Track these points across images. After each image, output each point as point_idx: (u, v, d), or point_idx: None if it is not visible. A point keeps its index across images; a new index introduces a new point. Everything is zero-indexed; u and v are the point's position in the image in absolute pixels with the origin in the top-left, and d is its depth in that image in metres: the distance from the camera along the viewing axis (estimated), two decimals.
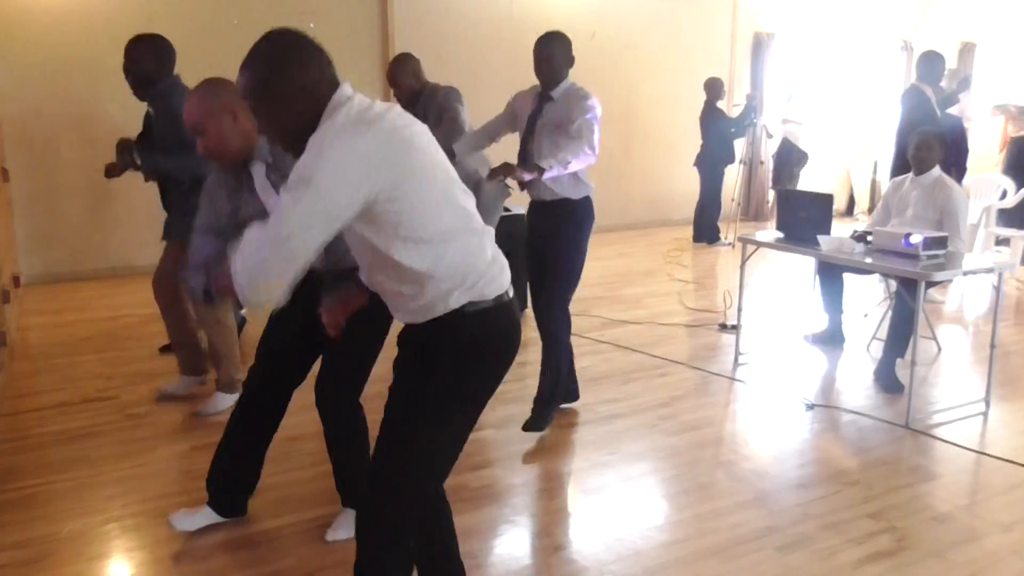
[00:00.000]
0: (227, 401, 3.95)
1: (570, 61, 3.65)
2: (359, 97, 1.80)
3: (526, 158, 3.64)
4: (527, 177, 3.39)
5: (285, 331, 2.82)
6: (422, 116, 4.29)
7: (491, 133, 3.91)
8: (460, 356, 1.91)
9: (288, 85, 1.76)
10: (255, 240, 1.67)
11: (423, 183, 1.77)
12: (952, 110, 6.57)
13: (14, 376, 4.46)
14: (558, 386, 3.80)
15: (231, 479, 2.91)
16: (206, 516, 2.88)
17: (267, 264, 1.66)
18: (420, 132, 1.81)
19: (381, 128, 1.71)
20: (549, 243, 3.71)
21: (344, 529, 2.79)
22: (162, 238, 4.08)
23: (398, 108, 1.81)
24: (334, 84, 1.80)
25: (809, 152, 9.44)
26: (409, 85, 4.36)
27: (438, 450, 1.97)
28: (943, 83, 6.48)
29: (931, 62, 6.05)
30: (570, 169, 3.47)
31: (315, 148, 1.68)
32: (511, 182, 3.61)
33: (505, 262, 1.99)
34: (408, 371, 2.00)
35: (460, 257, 1.85)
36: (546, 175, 3.40)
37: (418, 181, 1.75)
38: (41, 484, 3.22)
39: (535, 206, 3.79)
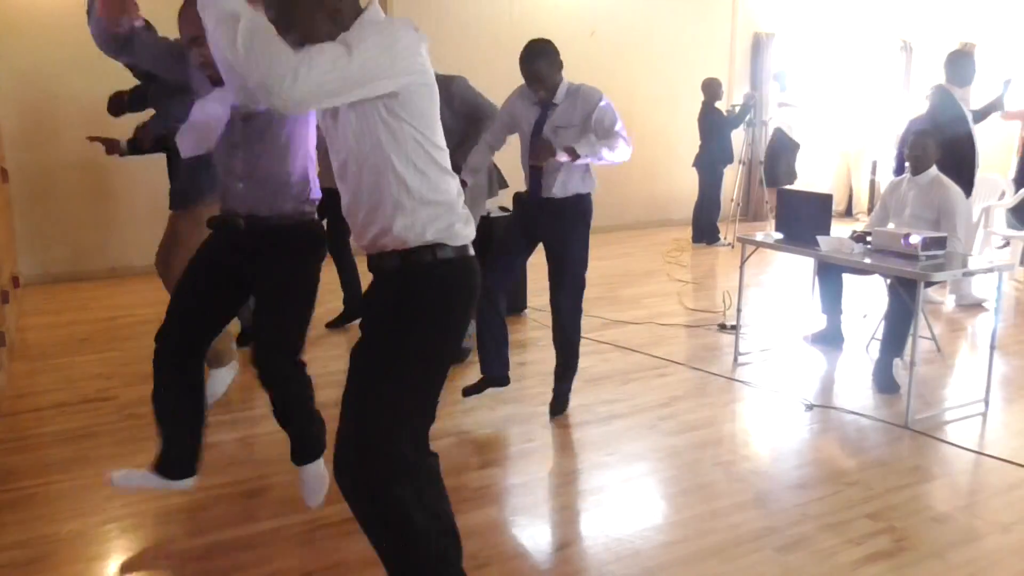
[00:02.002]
0: (224, 377, 3.89)
1: (559, 66, 3.64)
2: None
3: (538, 171, 3.70)
4: (563, 158, 3.47)
5: (206, 277, 2.75)
6: None
7: (493, 143, 3.94)
8: (432, 310, 1.95)
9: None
10: (267, 38, 1.67)
11: (434, 104, 1.93)
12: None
13: (13, 376, 4.46)
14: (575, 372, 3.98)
15: (171, 442, 2.85)
16: (143, 477, 2.85)
17: (271, 57, 1.65)
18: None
19: (419, 38, 1.87)
20: (558, 243, 3.75)
21: (315, 489, 2.87)
22: (169, 207, 4.05)
23: None
24: (357, 9, 1.90)
25: (802, 142, 9.43)
26: None
27: (415, 397, 1.97)
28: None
29: (958, 62, 5.80)
30: (603, 162, 3.56)
31: (356, 32, 1.81)
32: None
33: (470, 215, 2.07)
34: (375, 319, 2.02)
35: (445, 186, 1.96)
36: (583, 160, 3.50)
37: (431, 99, 1.91)
38: (40, 484, 3.22)
39: (539, 203, 3.76)
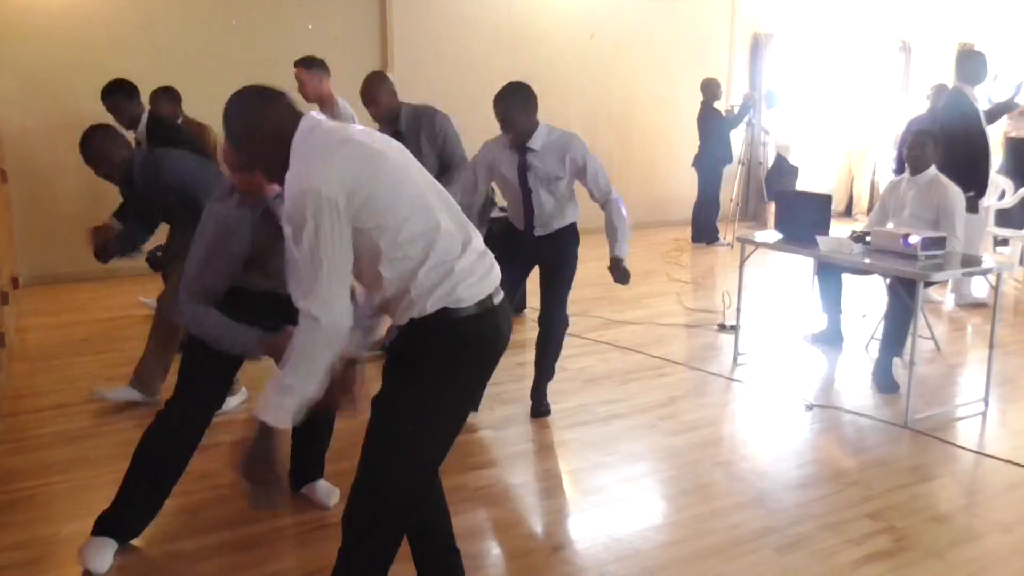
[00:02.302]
0: (129, 396, 3.97)
1: (533, 108, 3.60)
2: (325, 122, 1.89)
3: (531, 216, 3.72)
4: (627, 282, 3.69)
5: (219, 364, 2.77)
6: (407, 136, 4.25)
7: (470, 201, 3.81)
8: (436, 364, 1.91)
9: (263, 129, 1.85)
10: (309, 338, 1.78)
11: (388, 187, 1.83)
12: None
13: (13, 377, 4.46)
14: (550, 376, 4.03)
15: (143, 504, 2.81)
16: (105, 544, 2.73)
17: (314, 351, 1.79)
18: (389, 144, 1.93)
19: (352, 146, 1.82)
20: (554, 264, 3.82)
21: (331, 490, 3.05)
22: (156, 270, 4.13)
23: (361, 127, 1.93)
24: (297, 115, 1.87)
25: (800, 167, 9.46)
26: (388, 103, 4.30)
27: (420, 457, 1.96)
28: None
29: (970, 61, 5.71)
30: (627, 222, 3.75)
31: (294, 184, 1.77)
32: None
33: (494, 265, 2.00)
34: (389, 378, 2.03)
35: (438, 260, 1.88)
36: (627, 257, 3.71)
37: (388, 190, 1.82)
38: (40, 485, 3.22)
39: (534, 239, 3.79)
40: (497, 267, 2.02)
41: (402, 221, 1.83)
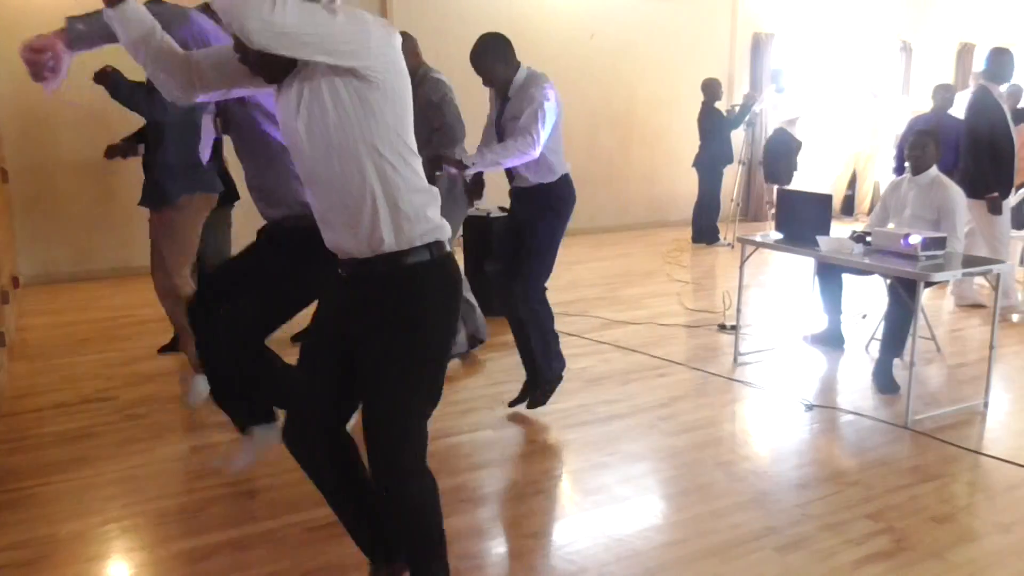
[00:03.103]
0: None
1: (508, 60, 3.57)
2: None
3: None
4: (452, 171, 3.47)
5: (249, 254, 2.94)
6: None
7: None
8: (437, 306, 2.00)
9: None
10: None
11: (408, 103, 1.96)
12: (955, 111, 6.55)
13: (13, 376, 4.46)
14: (552, 361, 3.86)
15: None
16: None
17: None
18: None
19: (391, 33, 1.91)
20: (527, 228, 3.71)
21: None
22: (141, 203, 4.00)
23: None
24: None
25: (804, 141, 9.40)
26: (409, 64, 4.32)
27: (436, 388, 2.12)
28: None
29: (1000, 59, 5.58)
30: (504, 165, 3.50)
31: (343, 8, 1.83)
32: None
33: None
34: (384, 326, 1.99)
35: (424, 187, 1.99)
36: (473, 169, 3.47)
37: (406, 97, 1.94)
38: (40, 485, 3.22)
39: (515, 192, 3.81)
40: None
41: (409, 126, 1.95)
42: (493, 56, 3.56)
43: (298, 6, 1.73)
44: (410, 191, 1.95)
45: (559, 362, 3.91)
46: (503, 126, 3.65)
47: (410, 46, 4.37)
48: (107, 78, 3.75)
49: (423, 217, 1.97)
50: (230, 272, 3.04)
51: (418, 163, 1.99)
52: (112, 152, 4.31)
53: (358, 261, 2.00)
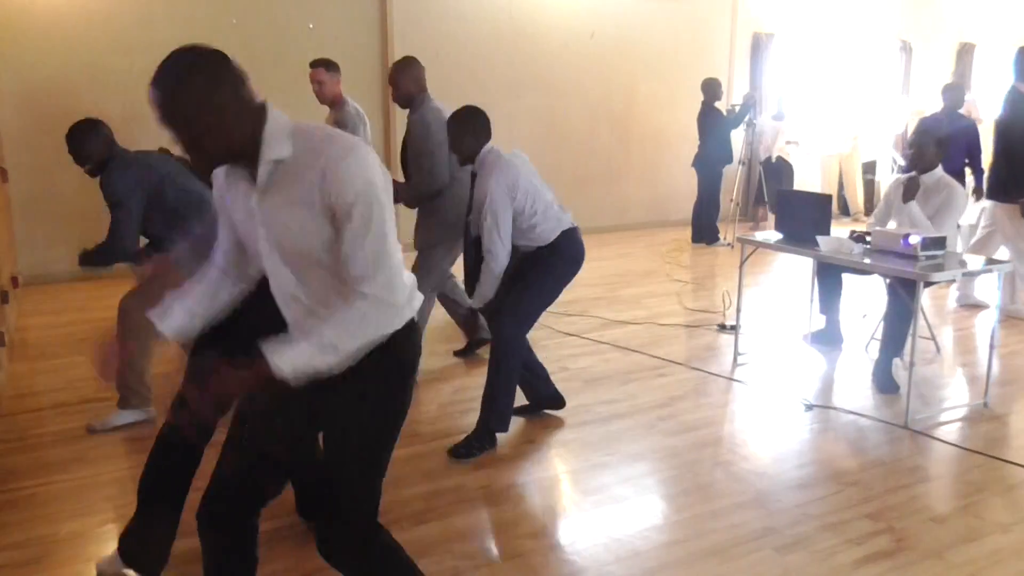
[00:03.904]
0: (125, 419, 3.77)
1: (474, 133, 3.51)
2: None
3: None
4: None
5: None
6: (410, 132, 4.26)
7: None
8: (393, 376, 1.90)
9: (195, 101, 1.62)
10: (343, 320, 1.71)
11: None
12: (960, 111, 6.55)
13: (13, 376, 4.46)
14: (492, 415, 3.52)
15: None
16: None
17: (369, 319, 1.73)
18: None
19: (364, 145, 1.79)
20: (526, 266, 3.60)
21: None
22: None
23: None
24: (259, 109, 1.71)
25: (795, 165, 9.47)
26: (405, 89, 4.31)
27: (385, 464, 1.97)
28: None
29: None
30: (496, 278, 3.48)
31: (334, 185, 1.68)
32: None
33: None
34: (338, 395, 1.90)
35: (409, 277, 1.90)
36: (478, 304, 3.52)
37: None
38: (40, 484, 3.22)
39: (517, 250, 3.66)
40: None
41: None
42: (460, 127, 3.51)
43: (378, 262, 1.71)
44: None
45: (498, 421, 3.52)
46: (472, 207, 3.58)
47: (411, 73, 4.26)
48: (90, 261, 3.94)
49: (405, 306, 1.87)
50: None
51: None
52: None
53: None
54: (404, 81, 4.27)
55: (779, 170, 9.26)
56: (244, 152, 1.70)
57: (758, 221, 9.73)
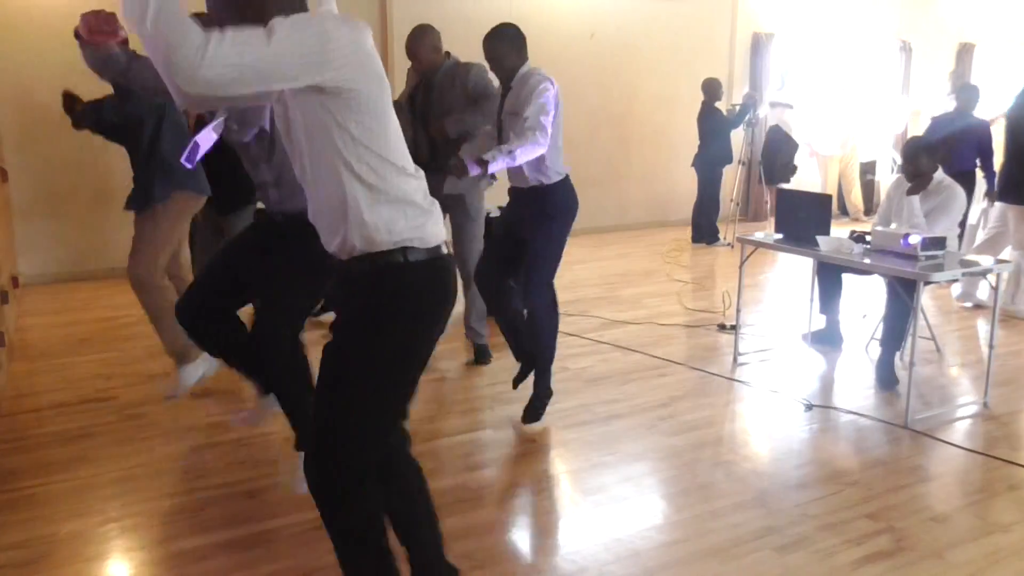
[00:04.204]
0: (193, 372, 3.97)
1: (518, 50, 3.59)
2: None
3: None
4: (474, 172, 3.37)
5: (238, 251, 2.99)
6: (443, 88, 4.22)
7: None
8: (403, 314, 1.91)
9: None
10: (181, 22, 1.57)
11: (383, 99, 1.85)
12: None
13: (13, 376, 4.46)
14: (545, 372, 3.81)
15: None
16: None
17: (181, 35, 1.55)
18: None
19: (358, 30, 1.80)
20: (525, 229, 3.69)
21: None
22: (127, 207, 4.08)
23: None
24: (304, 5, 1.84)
25: (800, 141, 9.42)
26: (429, 59, 4.27)
27: (384, 401, 1.95)
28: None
29: None
30: (518, 161, 3.42)
31: (289, 20, 1.71)
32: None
33: (440, 215, 2.02)
34: (348, 322, 1.95)
35: (406, 186, 1.90)
36: (494, 167, 3.38)
37: (379, 95, 1.83)
38: (40, 484, 3.22)
39: (513, 192, 3.80)
40: (441, 215, 2.04)
41: (386, 132, 1.86)
42: (509, 44, 3.57)
43: (233, 38, 1.60)
44: (379, 204, 1.87)
45: (543, 376, 3.82)
46: (502, 120, 3.64)
47: (431, 41, 4.28)
48: (77, 117, 3.96)
49: (393, 230, 1.89)
50: (228, 271, 3.01)
51: (393, 172, 1.88)
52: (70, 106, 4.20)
53: (343, 260, 1.98)
54: (423, 51, 4.23)
55: (782, 143, 9.18)
56: None
57: (760, 207, 9.69)
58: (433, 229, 1.95)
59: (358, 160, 1.83)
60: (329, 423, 1.91)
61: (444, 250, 1.99)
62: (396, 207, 1.89)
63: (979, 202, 6.59)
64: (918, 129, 9.52)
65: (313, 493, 1.94)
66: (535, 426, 3.79)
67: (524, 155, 3.42)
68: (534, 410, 3.81)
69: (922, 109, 9.72)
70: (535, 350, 3.80)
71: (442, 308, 1.98)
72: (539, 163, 3.60)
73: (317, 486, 1.93)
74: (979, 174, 6.47)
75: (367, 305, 1.92)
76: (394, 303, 1.91)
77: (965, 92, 6.57)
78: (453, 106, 4.22)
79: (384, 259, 1.89)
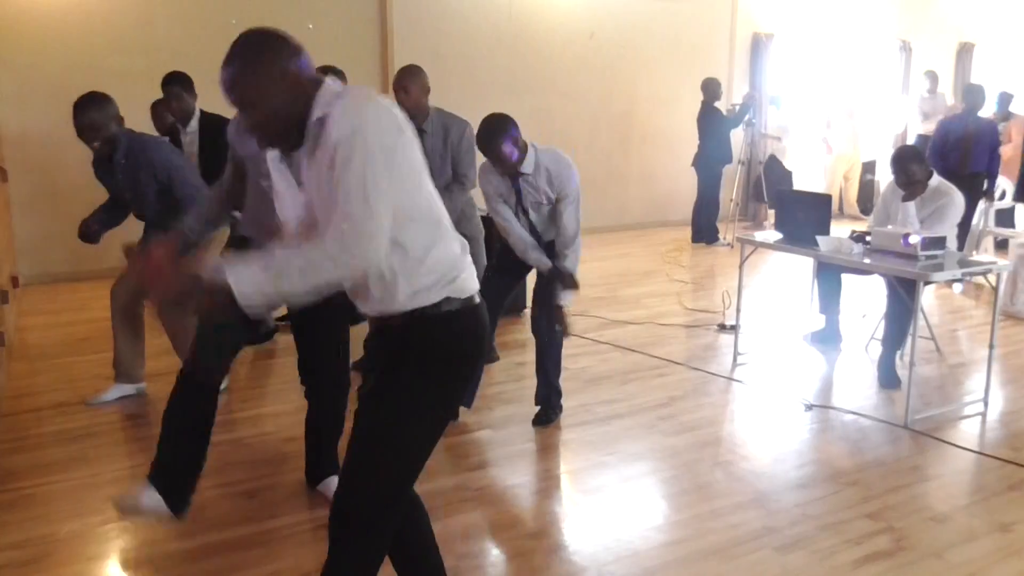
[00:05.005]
0: (120, 392, 4.07)
1: (510, 133, 3.45)
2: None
3: (532, 232, 3.67)
4: (574, 296, 3.60)
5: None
6: (433, 135, 4.25)
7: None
8: (436, 360, 1.89)
9: (266, 75, 1.75)
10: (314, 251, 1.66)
11: (415, 163, 1.80)
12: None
13: (12, 376, 4.46)
14: (555, 384, 3.87)
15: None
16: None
17: (333, 264, 1.66)
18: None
19: (389, 110, 1.76)
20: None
21: None
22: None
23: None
24: (316, 80, 1.79)
25: (793, 170, 9.47)
26: (418, 99, 4.28)
27: (417, 453, 1.94)
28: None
29: None
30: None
31: (381, 152, 1.69)
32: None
33: (472, 264, 1.99)
34: (382, 376, 1.95)
35: (443, 249, 1.87)
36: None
37: (411, 163, 1.78)
38: (39, 484, 3.22)
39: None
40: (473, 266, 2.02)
41: (417, 205, 1.80)
42: (502, 133, 3.43)
43: (360, 229, 1.66)
44: (419, 267, 1.84)
45: (552, 385, 3.88)
46: (525, 207, 3.61)
47: (420, 81, 4.23)
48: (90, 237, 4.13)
49: (432, 288, 1.86)
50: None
51: (427, 230, 1.84)
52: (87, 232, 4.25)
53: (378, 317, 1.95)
54: (416, 89, 4.22)
55: (778, 173, 9.27)
56: (299, 124, 1.75)
57: (760, 220, 9.72)
58: (466, 283, 1.92)
59: (405, 236, 1.79)
60: (368, 478, 1.90)
61: (477, 299, 1.96)
62: (437, 272, 1.86)
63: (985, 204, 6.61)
64: (917, 129, 9.54)
65: (336, 545, 1.94)
66: (517, 424, 3.82)
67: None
68: (548, 414, 3.87)
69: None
70: (552, 362, 3.85)
71: (476, 353, 1.98)
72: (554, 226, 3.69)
73: (344, 538, 1.93)
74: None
75: (403, 356, 1.90)
76: (430, 352, 1.89)
77: (971, 93, 6.56)
78: (441, 159, 4.26)
79: (418, 313, 1.86)
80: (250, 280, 1.62)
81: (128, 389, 4.10)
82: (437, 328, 1.88)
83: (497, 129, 3.42)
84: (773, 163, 9.46)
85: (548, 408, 3.87)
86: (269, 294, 1.65)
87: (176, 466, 2.80)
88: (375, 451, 1.90)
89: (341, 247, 1.66)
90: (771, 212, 8.44)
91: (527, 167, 3.51)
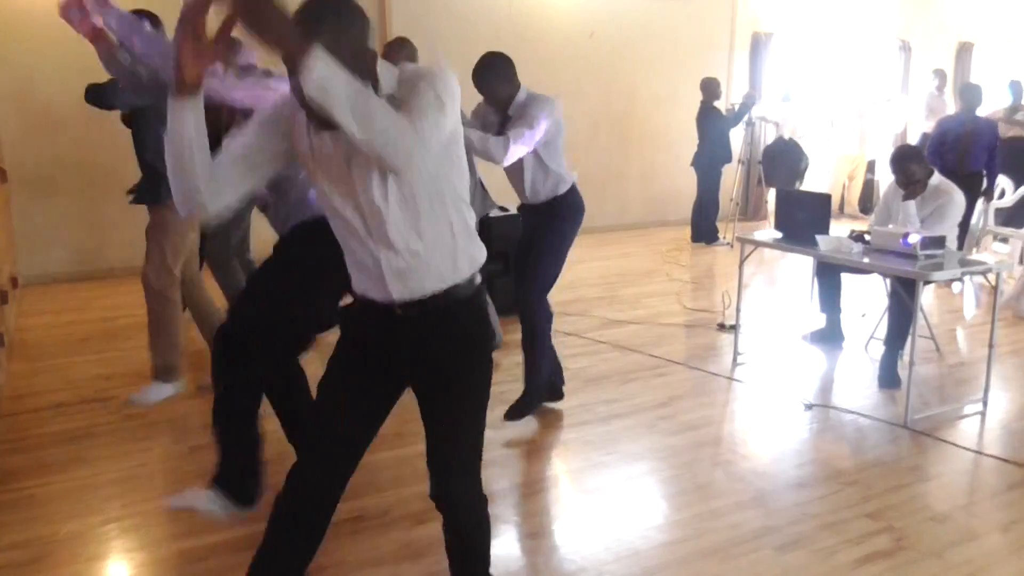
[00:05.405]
0: (163, 392, 3.97)
1: (509, 79, 3.54)
2: None
3: (520, 183, 3.71)
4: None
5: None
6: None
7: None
8: (482, 342, 2.01)
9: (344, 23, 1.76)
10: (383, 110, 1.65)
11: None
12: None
13: (12, 377, 4.46)
14: (541, 381, 3.85)
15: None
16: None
17: (390, 133, 1.65)
18: None
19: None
20: (537, 235, 3.74)
21: None
22: (136, 201, 4.01)
23: None
24: (373, 52, 1.83)
25: (801, 142, 9.41)
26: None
27: (482, 431, 2.15)
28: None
29: None
30: (514, 151, 3.47)
31: (432, 82, 1.77)
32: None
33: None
34: (440, 368, 1.99)
35: (468, 222, 1.96)
36: (507, 160, 3.48)
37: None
38: (39, 485, 3.22)
39: (525, 208, 3.84)
40: None
41: (467, 189, 1.93)
42: (495, 75, 3.53)
43: (428, 118, 1.71)
44: (468, 234, 1.95)
45: (537, 378, 3.83)
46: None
47: (407, 52, 4.24)
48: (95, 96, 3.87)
49: (467, 256, 1.96)
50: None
51: (470, 212, 1.96)
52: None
53: (402, 304, 1.92)
54: (402, 61, 4.23)
55: (790, 152, 9.14)
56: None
57: (757, 207, 9.67)
58: (482, 253, 2.01)
59: (458, 195, 1.91)
60: (471, 464, 2.13)
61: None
62: (471, 231, 1.96)
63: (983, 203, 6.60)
64: (917, 129, 9.54)
65: (453, 519, 2.14)
66: (516, 424, 3.77)
67: (517, 148, 3.47)
68: (520, 408, 3.80)
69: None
70: (536, 353, 3.80)
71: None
72: (547, 180, 3.67)
73: (459, 513, 2.12)
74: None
75: (453, 344, 1.97)
76: (475, 334, 2.00)
77: (968, 92, 6.55)
78: None
79: (456, 292, 1.92)
80: (330, 67, 1.58)
81: (168, 390, 4.02)
82: (475, 315, 1.97)
83: (487, 65, 3.54)
84: (786, 143, 9.34)
85: (523, 401, 3.81)
86: (332, 88, 1.58)
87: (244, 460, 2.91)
88: (472, 443, 2.11)
89: (403, 127, 1.67)
90: (771, 204, 8.43)
91: (512, 108, 3.58)
